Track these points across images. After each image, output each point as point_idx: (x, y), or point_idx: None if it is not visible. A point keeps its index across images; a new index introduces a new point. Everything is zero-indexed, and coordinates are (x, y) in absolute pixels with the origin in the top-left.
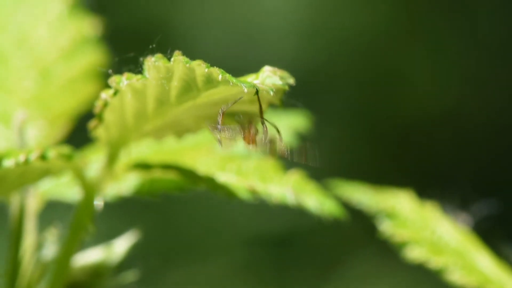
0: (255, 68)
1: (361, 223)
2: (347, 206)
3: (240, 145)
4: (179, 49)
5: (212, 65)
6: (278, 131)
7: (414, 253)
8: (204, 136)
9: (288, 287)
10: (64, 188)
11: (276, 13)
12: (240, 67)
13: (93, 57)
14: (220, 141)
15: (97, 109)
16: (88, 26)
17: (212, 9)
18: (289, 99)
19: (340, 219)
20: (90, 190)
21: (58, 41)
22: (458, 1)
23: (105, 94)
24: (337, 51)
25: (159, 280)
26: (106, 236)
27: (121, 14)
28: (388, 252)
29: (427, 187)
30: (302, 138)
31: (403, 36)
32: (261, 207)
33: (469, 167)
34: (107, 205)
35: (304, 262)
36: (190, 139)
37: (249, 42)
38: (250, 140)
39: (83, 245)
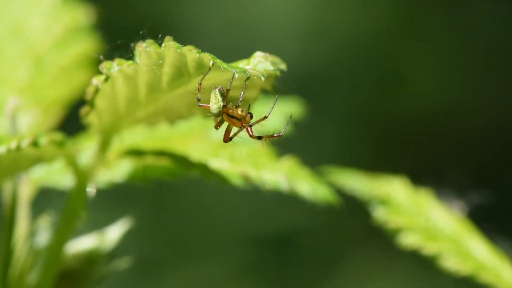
0: None
1: (360, 221)
2: (345, 200)
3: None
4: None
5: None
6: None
7: (408, 240)
8: (196, 123)
9: (288, 286)
10: (57, 175)
11: (276, 14)
12: None
13: (87, 45)
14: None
15: (88, 96)
16: (81, 15)
17: (213, 11)
18: (281, 86)
19: (335, 206)
20: (82, 177)
21: (51, 30)
22: (458, 1)
23: (96, 80)
24: (337, 51)
25: (154, 273)
26: (99, 223)
27: (114, 3)
28: (387, 250)
29: (418, 173)
30: (295, 124)
31: (403, 36)
32: (261, 207)
33: (466, 162)
34: (100, 192)
35: (304, 261)
36: (182, 126)
37: (249, 42)
38: (241, 126)
39: (76, 232)
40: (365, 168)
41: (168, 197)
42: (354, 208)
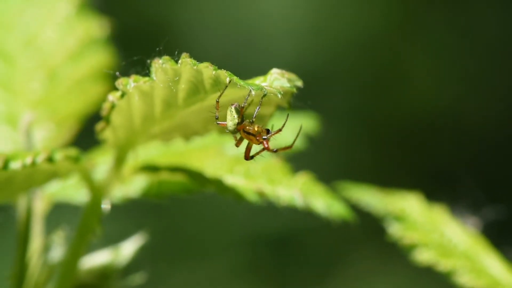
0: (256, 69)
1: (361, 222)
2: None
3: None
4: (181, 50)
5: (219, 67)
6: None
7: (423, 256)
8: (211, 139)
9: (288, 286)
10: (72, 190)
11: (276, 14)
12: (241, 68)
13: (101, 58)
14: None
15: (104, 112)
16: (95, 27)
17: (214, 11)
18: (296, 101)
19: (348, 220)
20: (97, 192)
21: (65, 42)
22: (458, 1)
23: (112, 96)
24: (336, 51)
25: (164, 282)
26: (113, 238)
27: (128, 15)
28: (388, 250)
29: (432, 188)
30: (311, 139)
31: (402, 36)
32: (262, 207)
33: (465, 161)
34: (115, 207)
35: (304, 261)
36: (197, 141)
37: (250, 43)
38: (258, 142)
39: (90, 248)
40: (370, 174)
41: (172, 201)
42: (354, 208)
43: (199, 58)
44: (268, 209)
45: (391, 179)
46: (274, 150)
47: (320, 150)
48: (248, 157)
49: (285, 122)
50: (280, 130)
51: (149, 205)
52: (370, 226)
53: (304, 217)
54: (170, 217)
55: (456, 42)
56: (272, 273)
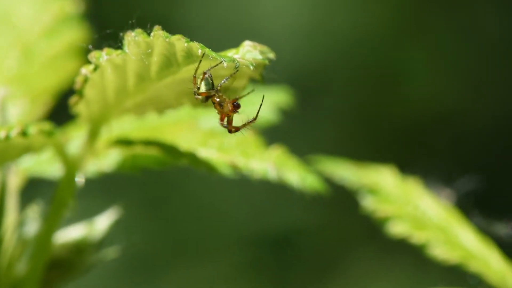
0: None
1: (360, 222)
2: (345, 199)
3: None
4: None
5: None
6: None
7: (397, 229)
8: (185, 112)
9: (288, 286)
10: (46, 165)
11: (275, 14)
12: None
13: (76, 34)
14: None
15: (77, 85)
16: (70, 4)
17: (209, 8)
18: (270, 74)
19: (321, 193)
20: (71, 166)
21: (40, 19)
22: (458, 2)
23: (85, 70)
24: (336, 51)
25: (162, 281)
26: (88, 213)
27: None
28: (388, 251)
29: (405, 160)
30: (284, 113)
31: (402, 36)
32: (260, 206)
33: (465, 162)
34: (89, 182)
35: (304, 261)
36: (171, 115)
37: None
38: (227, 115)
39: (64, 222)
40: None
41: (171, 200)
42: (355, 208)
43: None
44: (268, 209)
45: None
46: (237, 128)
47: (320, 148)
48: (231, 129)
49: (245, 94)
50: (237, 98)
51: (148, 206)
52: (369, 226)
53: (304, 217)
54: (170, 217)
55: (457, 42)
56: (272, 273)
